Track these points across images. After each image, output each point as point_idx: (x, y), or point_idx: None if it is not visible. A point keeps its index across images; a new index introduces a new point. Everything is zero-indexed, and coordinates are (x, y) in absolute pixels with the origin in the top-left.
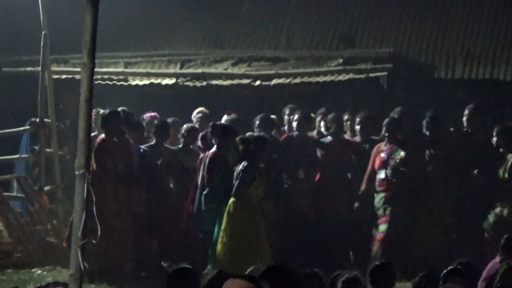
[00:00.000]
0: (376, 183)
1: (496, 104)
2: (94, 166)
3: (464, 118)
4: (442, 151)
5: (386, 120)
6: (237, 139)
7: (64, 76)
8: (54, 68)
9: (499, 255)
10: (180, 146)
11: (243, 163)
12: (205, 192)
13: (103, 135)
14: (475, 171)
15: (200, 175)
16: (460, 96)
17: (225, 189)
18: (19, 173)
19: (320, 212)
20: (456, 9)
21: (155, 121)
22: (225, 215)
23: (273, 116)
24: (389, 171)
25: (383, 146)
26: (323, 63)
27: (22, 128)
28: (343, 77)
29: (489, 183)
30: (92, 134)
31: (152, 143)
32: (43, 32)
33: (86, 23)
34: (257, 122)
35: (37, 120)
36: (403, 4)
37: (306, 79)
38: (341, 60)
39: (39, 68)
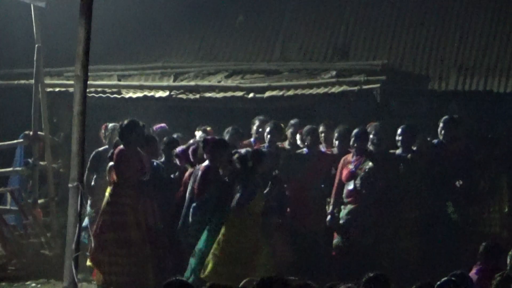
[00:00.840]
0: (344, 195)
1: (490, 116)
2: (115, 177)
3: (439, 130)
4: (414, 164)
5: (355, 131)
6: (235, 157)
7: (57, 89)
8: (48, 81)
9: (475, 266)
10: (163, 159)
11: (241, 179)
12: (194, 204)
13: (121, 146)
14: (457, 183)
15: (189, 188)
16: (454, 108)
17: (216, 203)
18: (13, 186)
19: (295, 224)
20: (450, 21)
21: (164, 139)
22: (223, 228)
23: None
24: (358, 182)
25: (350, 157)
26: (317, 76)
27: (15, 141)
28: (336, 89)
29: (470, 193)
30: (101, 148)
31: (162, 159)
32: (37, 45)
33: (79, 35)
34: (269, 128)
35: (31, 133)
36: (396, 17)
37: (299, 91)
38: (334, 73)
39: (33, 81)
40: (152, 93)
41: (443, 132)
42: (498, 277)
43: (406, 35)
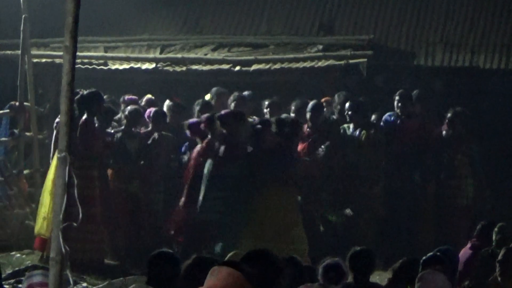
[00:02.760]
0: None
1: (476, 92)
2: (80, 149)
3: (396, 103)
4: (368, 140)
5: (310, 106)
6: (273, 119)
7: (44, 60)
8: (34, 52)
9: (470, 241)
10: (123, 128)
11: (279, 147)
12: (213, 180)
13: (85, 116)
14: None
15: (210, 163)
16: (440, 84)
17: (237, 177)
18: None
19: None
20: None
21: (154, 111)
22: (258, 201)
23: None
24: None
25: (306, 133)
26: (303, 50)
27: (1, 112)
28: (322, 63)
29: (448, 167)
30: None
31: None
32: (23, 16)
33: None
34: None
35: (17, 103)
36: None
37: (286, 65)
38: (320, 47)
39: (19, 52)
40: (138, 65)
41: (399, 105)
42: (484, 253)
43: (392, 10)
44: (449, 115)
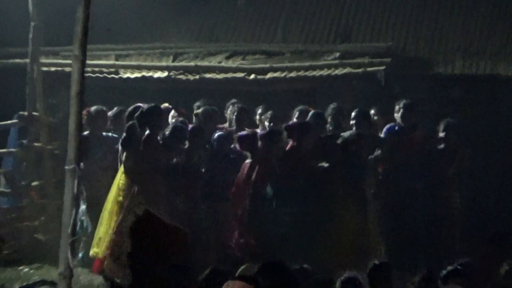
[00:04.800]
0: None
1: (497, 100)
2: (143, 164)
3: (397, 115)
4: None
5: (355, 114)
6: (339, 141)
7: (54, 69)
8: (44, 60)
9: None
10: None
11: (349, 163)
12: (278, 193)
13: (147, 132)
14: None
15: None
16: (459, 92)
17: (305, 189)
18: (7, 168)
19: None
20: (454, 3)
21: (191, 128)
22: (331, 215)
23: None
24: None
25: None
26: (319, 57)
27: (10, 122)
28: (339, 71)
29: (433, 180)
30: (85, 133)
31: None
32: (32, 24)
33: (78, 14)
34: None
35: (26, 113)
36: None
37: (302, 73)
38: (337, 54)
39: (28, 60)
40: (150, 74)
41: (403, 115)
42: (507, 266)
43: (410, 17)
44: (442, 127)
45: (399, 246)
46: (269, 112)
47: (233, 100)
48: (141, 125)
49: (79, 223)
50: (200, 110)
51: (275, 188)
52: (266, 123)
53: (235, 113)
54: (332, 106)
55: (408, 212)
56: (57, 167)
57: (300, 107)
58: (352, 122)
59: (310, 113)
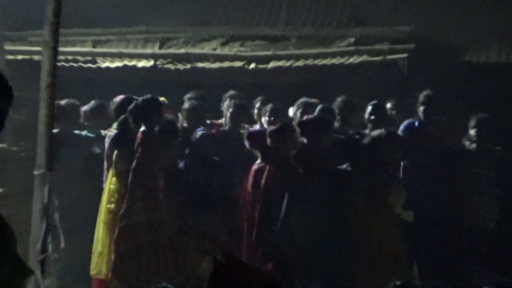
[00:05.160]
0: None
1: None
2: (140, 166)
3: (421, 108)
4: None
5: (371, 108)
6: (366, 140)
7: (20, 57)
8: (8, 47)
9: None
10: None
11: (374, 166)
12: (295, 201)
13: (142, 129)
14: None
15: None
16: (494, 84)
17: (323, 197)
18: None
19: None
20: None
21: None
22: (356, 224)
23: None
24: None
25: None
26: (331, 44)
27: None
28: (354, 59)
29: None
30: (55, 131)
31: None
32: None
33: None
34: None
35: None
36: None
37: (310, 61)
38: (352, 40)
39: None
40: (133, 63)
41: (425, 109)
42: None
43: None
44: (472, 123)
45: (426, 263)
46: (269, 105)
47: (231, 92)
48: (136, 120)
49: (49, 238)
50: (185, 105)
51: (290, 195)
52: (265, 119)
53: (230, 110)
54: (339, 99)
55: (432, 225)
56: (24, 172)
57: (302, 100)
58: (368, 117)
59: (319, 108)
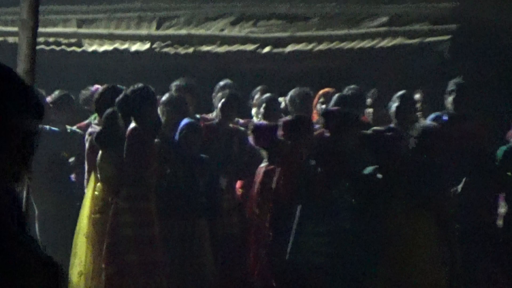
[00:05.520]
0: None
1: None
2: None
3: (450, 98)
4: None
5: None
6: (417, 127)
7: None
8: None
9: None
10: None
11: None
12: (311, 209)
13: (132, 125)
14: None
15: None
16: None
17: (347, 202)
18: None
19: None
20: None
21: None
22: (388, 233)
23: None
24: None
25: None
26: (359, 23)
27: None
28: (387, 42)
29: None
30: (90, 130)
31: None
32: None
33: None
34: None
35: None
36: None
37: (335, 45)
38: (384, 19)
39: None
40: (125, 46)
41: (456, 99)
42: None
43: None
44: None
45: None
46: (266, 95)
47: (224, 82)
48: (125, 114)
49: None
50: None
51: (306, 201)
52: (259, 110)
53: (222, 101)
54: (350, 88)
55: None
56: None
57: (299, 89)
58: (395, 111)
59: (335, 97)
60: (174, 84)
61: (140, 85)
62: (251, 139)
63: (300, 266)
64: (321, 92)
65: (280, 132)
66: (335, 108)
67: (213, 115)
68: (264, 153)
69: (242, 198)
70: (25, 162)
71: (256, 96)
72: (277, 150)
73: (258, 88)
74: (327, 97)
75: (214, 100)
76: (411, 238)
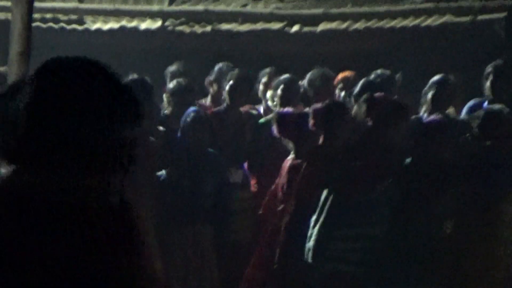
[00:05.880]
0: None
1: None
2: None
3: (488, 83)
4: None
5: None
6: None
7: None
8: None
9: None
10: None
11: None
12: (343, 207)
13: None
14: None
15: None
16: None
17: (392, 201)
18: None
19: None
20: None
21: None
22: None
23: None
24: None
25: None
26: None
27: None
28: (433, 20)
29: None
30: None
31: None
32: None
33: None
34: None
35: None
36: None
37: (373, 23)
38: None
39: None
40: (133, 23)
41: (493, 84)
42: None
43: None
44: None
45: None
46: (284, 77)
47: (221, 65)
48: None
49: None
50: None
51: (336, 199)
52: (275, 93)
53: (230, 83)
54: (378, 73)
55: None
56: None
57: (319, 70)
58: (431, 97)
59: (361, 82)
60: (169, 70)
61: (135, 76)
62: (275, 129)
63: (323, 273)
64: (340, 76)
65: (311, 122)
66: (381, 94)
67: (207, 102)
68: (290, 145)
69: (257, 197)
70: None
71: (263, 80)
72: (306, 141)
73: (266, 70)
74: (347, 83)
75: (207, 83)
76: (471, 257)
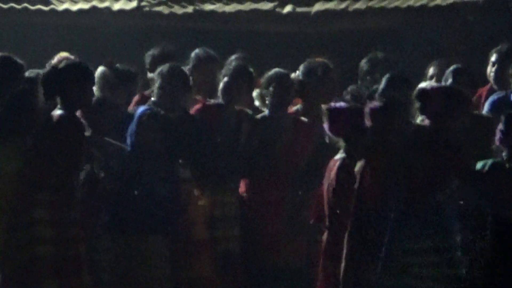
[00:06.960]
0: None
1: None
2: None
3: (492, 70)
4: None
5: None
6: None
7: None
8: None
9: None
10: None
11: None
12: (410, 216)
13: (59, 112)
14: None
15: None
16: None
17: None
18: None
19: None
20: None
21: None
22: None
23: None
24: None
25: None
26: None
27: None
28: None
29: None
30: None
31: None
32: None
33: None
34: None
35: None
36: None
37: (375, 3)
38: None
39: None
40: (106, 4)
41: (496, 72)
42: None
43: None
44: None
45: None
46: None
47: (199, 51)
48: (50, 94)
49: None
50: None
51: (402, 207)
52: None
53: (227, 78)
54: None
55: None
56: None
57: (313, 59)
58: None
59: (386, 77)
60: (149, 54)
61: (76, 60)
62: (326, 126)
63: None
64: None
65: (368, 122)
66: (435, 85)
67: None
68: (341, 143)
69: (247, 205)
70: None
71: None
72: (359, 140)
73: (233, 57)
74: None
75: (151, 76)
76: None
